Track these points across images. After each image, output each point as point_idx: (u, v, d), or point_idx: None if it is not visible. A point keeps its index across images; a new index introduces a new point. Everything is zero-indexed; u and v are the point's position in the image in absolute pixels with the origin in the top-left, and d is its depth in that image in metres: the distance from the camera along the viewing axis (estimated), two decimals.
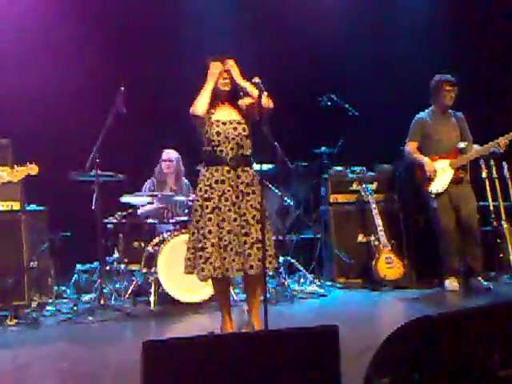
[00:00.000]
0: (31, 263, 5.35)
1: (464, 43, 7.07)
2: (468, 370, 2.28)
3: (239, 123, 3.84)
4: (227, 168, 3.80)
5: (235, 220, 3.75)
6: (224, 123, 3.83)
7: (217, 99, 3.89)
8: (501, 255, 5.58)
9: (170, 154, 6.02)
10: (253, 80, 3.69)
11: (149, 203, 5.70)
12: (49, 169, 5.99)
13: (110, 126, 5.01)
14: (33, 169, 4.54)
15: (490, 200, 5.58)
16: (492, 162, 5.72)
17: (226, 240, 3.72)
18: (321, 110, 6.02)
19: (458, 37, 7.13)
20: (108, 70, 6.59)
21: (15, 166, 4.52)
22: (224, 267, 3.72)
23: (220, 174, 3.80)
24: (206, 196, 3.79)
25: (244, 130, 3.84)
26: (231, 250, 3.72)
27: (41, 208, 5.77)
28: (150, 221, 5.70)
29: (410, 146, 5.55)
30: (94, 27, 6.76)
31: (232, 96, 3.90)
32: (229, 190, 3.78)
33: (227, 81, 3.87)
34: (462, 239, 5.36)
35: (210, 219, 3.75)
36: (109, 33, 6.85)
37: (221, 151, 3.81)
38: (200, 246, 3.73)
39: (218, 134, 3.81)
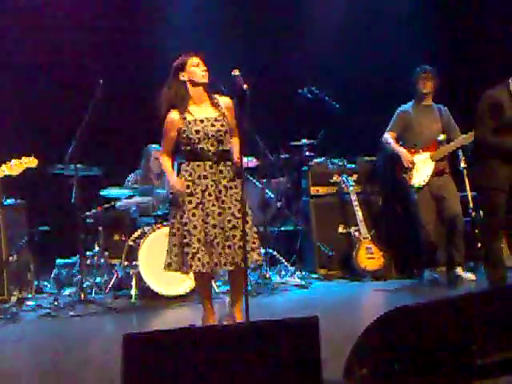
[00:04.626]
0: (10, 258, 5.30)
1: (447, 35, 7.10)
2: (447, 359, 2.31)
3: (216, 120, 3.81)
4: (209, 163, 3.78)
5: (220, 214, 3.75)
6: (202, 121, 3.79)
7: (189, 97, 3.83)
8: (479, 245, 5.63)
9: (156, 150, 5.98)
10: (232, 73, 3.67)
11: (129, 196, 5.67)
12: None
13: (89, 119, 4.96)
14: (32, 161, 4.51)
15: (469, 190, 5.63)
16: (470, 153, 5.76)
17: (211, 235, 3.72)
18: (301, 102, 6.02)
19: (441, 28, 7.14)
20: (86, 62, 6.52)
21: (12, 160, 4.48)
22: (212, 262, 3.72)
23: (202, 169, 3.78)
24: (188, 191, 3.78)
25: (222, 126, 3.80)
26: (217, 244, 3.72)
27: (19, 202, 5.71)
28: (130, 214, 5.67)
29: (389, 136, 5.56)
30: (73, 22, 6.68)
31: (207, 93, 3.85)
32: (212, 185, 3.77)
33: (185, 78, 3.81)
34: (445, 229, 5.39)
35: (193, 214, 3.74)
36: (87, 26, 6.78)
37: (201, 148, 3.78)
38: (186, 241, 3.72)
39: (197, 131, 3.77)
